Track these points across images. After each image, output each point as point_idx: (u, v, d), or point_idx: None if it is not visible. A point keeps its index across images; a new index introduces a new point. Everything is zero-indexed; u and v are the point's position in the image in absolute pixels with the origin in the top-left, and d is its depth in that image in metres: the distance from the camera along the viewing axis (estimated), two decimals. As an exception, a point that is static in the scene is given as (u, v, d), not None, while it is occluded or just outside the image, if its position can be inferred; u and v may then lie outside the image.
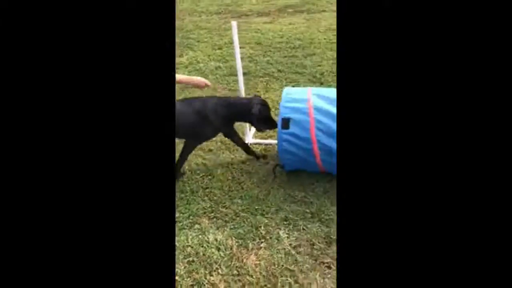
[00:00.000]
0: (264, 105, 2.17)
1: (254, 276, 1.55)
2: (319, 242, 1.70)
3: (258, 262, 1.62)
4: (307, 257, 1.63)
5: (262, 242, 1.73)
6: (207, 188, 2.12)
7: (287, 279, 1.53)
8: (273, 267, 1.59)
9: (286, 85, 3.21)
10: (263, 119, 2.16)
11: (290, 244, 1.70)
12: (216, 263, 1.63)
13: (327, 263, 1.60)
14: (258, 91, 3.23)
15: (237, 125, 2.31)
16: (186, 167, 2.28)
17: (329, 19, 5.24)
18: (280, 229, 1.79)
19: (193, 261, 1.66)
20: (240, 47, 4.31)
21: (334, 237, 1.72)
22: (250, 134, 2.54)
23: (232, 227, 1.83)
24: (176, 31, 4.59)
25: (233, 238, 1.76)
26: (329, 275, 1.54)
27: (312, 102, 2.01)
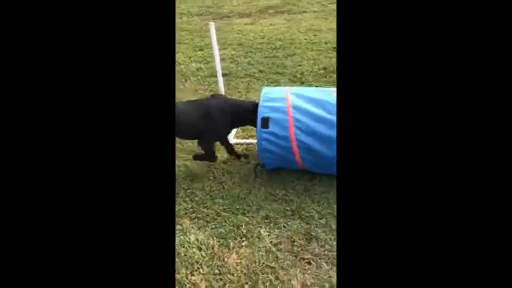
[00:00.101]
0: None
1: (235, 275, 1.57)
2: (299, 239, 1.72)
3: (239, 260, 1.64)
4: (287, 253, 1.65)
5: (243, 241, 1.74)
6: (188, 189, 2.12)
7: (268, 276, 1.55)
8: (254, 264, 1.61)
9: (267, 85, 3.24)
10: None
11: (271, 242, 1.72)
12: (197, 263, 1.64)
13: (307, 259, 1.62)
14: (239, 92, 3.25)
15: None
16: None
17: (310, 19, 5.30)
18: (261, 227, 1.81)
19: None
20: (222, 48, 4.34)
21: (314, 233, 1.74)
22: (231, 135, 2.55)
23: (213, 227, 1.84)
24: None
25: (214, 237, 1.77)
26: (309, 271, 1.56)
27: (291, 101, 2.04)
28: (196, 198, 2.04)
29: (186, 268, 1.62)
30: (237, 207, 1.95)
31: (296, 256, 1.64)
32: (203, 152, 2.23)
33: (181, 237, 1.78)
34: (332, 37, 4.43)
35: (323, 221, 1.81)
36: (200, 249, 1.71)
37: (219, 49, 4.27)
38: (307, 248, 1.67)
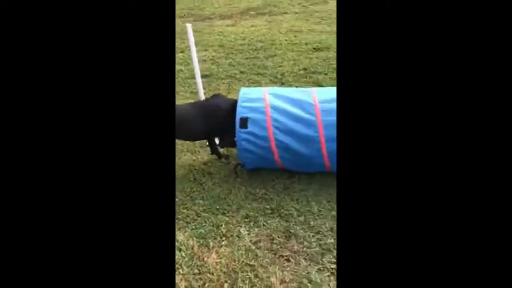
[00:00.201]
0: None
1: (214, 274, 1.58)
2: (278, 237, 1.75)
3: (219, 260, 1.65)
4: (266, 251, 1.67)
5: (223, 240, 1.75)
6: (168, 190, 2.12)
7: (247, 274, 1.56)
8: (233, 263, 1.62)
9: (248, 86, 3.26)
10: None
11: (251, 240, 1.74)
12: (177, 263, 1.64)
13: (286, 256, 1.65)
14: (220, 93, 3.25)
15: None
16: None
17: (290, 21, 5.35)
18: (241, 226, 1.82)
19: (154, 263, 1.66)
20: (203, 50, 4.34)
21: (293, 231, 1.77)
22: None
23: (193, 227, 1.84)
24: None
25: (194, 238, 1.77)
26: (288, 268, 1.59)
27: (269, 101, 2.06)
28: (176, 200, 2.04)
29: (166, 269, 1.62)
30: (217, 207, 1.96)
31: (275, 254, 1.66)
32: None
33: (161, 238, 1.78)
34: (312, 37, 4.48)
35: (301, 218, 1.84)
36: (180, 249, 1.71)
37: (200, 51, 4.28)
38: (286, 246, 1.70)
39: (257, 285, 1.52)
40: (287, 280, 1.53)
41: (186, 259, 1.66)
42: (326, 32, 4.69)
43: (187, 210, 1.96)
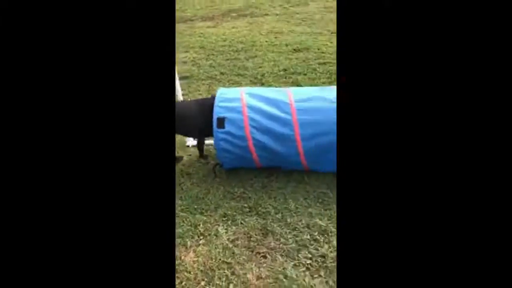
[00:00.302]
0: None
1: (192, 272, 1.59)
2: (255, 234, 1.77)
3: (196, 258, 1.66)
4: (244, 249, 1.69)
5: (200, 239, 1.76)
6: (147, 191, 2.12)
7: (224, 272, 1.58)
8: (210, 261, 1.63)
9: (228, 87, 3.28)
10: None
11: (228, 239, 1.76)
12: (154, 263, 1.64)
13: (263, 253, 1.67)
14: (200, 94, 3.27)
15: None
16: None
17: (271, 22, 5.40)
18: (218, 225, 1.84)
19: (131, 264, 1.66)
20: (184, 51, 4.35)
21: (270, 228, 1.79)
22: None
23: (171, 227, 1.85)
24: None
25: (172, 237, 1.78)
26: (264, 264, 1.61)
27: (245, 101, 2.08)
28: (155, 200, 2.04)
29: (143, 269, 1.62)
30: (195, 207, 1.97)
31: (252, 251, 1.68)
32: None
33: (139, 239, 1.78)
34: (292, 39, 4.53)
35: (279, 216, 1.87)
36: (157, 249, 1.71)
37: (181, 53, 4.28)
38: (263, 243, 1.72)
39: (234, 282, 1.53)
40: (263, 276, 1.55)
41: (164, 258, 1.67)
42: (306, 33, 4.75)
43: (165, 210, 1.96)
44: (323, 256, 1.63)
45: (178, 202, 2.01)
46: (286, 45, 4.34)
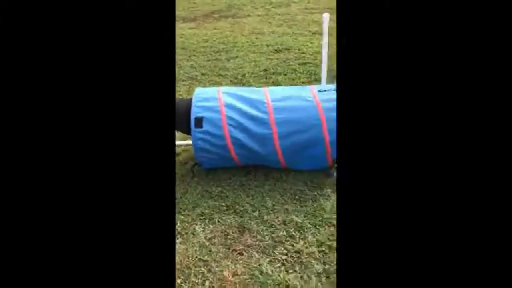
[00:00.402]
0: None
1: (168, 271, 1.59)
2: (232, 232, 1.79)
3: (173, 257, 1.67)
4: (220, 246, 1.71)
5: (178, 238, 1.77)
6: (125, 192, 2.11)
7: (200, 269, 1.59)
8: (187, 259, 1.64)
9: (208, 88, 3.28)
10: None
11: (205, 237, 1.77)
12: (131, 263, 1.64)
13: (240, 250, 1.69)
14: (181, 95, 3.26)
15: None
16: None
17: (253, 23, 5.42)
18: (196, 224, 1.85)
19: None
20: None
21: (247, 225, 1.81)
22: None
23: (149, 227, 1.85)
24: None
25: (149, 237, 1.78)
26: (240, 261, 1.63)
27: (223, 100, 2.10)
28: (133, 200, 2.03)
29: (119, 269, 1.62)
30: (173, 206, 1.97)
31: (228, 248, 1.70)
32: None
33: (116, 239, 1.78)
34: (273, 39, 4.57)
35: (256, 213, 1.89)
36: (134, 249, 1.71)
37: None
38: (240, 240, 1.74)
39: (210, 279, 1.55)
40: (239, 273, 1.57)
41: (140, 258, 1.67)
42: (287, 34, 4.79)
43: (143, 210, 1.96)
44: (298, 251, 1.66)
45: (156, 202, 2.01)
46: (267, 45, 4.37)
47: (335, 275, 1.53)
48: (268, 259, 1.62)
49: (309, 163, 2.12)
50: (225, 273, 1.57)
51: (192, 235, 1.78)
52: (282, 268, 1.58)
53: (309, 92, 2.14)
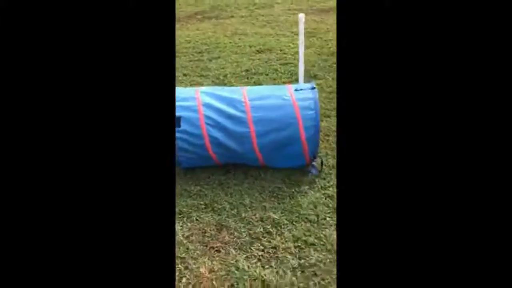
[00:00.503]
0: None
1: (145, 269, 1.60)
2: (210, 230, 1.80)
3: (150, 255, 1.67)
4: (198, 244, 1.72)
5: (155, 237, 1.78)
6: (103, 192, 2.11)
7: (177, 267, 1.60)
8: (164, 258, 1.65)
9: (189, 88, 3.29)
10: None
11: (183, 235, 1.78)
12: (108, 262, 1.65)
13: (217, 247, 1.71)
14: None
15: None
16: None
17: (236, 24, 5.44)
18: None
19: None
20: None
21: (225, 223, 1.83)
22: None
23: (127, 226, 1.85)
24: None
25: (127, 236, 1.78)
26: (217, 258, 1.65)
27: (201, 100, 2.12)
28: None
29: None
30: (152, 205, 1.98)
31: (206, 246, 1.72)
32: None
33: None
34: (255, 40, 4.60)
35: (234, 211, 1.91)
36: (111, 249, 1.72)
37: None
38: (217, 237, 1.76)
39: (187, 276, 1.56)
40: (216, 269, 1.59)
41: (117, 257, 1.67)
42: (270, 35, 4.83)
43: (121, 210, 1.96)
44: (275, 247, 1.68)
45: (134, 201, 2.02)
46: (250, 46, 4.40)
47: (310, 270, 1.56)
48: (244, 255, 1.65)
49: (287, 161, 2.15)
50: (202, 270, 1.59)
51: (170, 234, 1.79)
52: (258, 263, 1.60)
53: (286, 91, 2.17)
